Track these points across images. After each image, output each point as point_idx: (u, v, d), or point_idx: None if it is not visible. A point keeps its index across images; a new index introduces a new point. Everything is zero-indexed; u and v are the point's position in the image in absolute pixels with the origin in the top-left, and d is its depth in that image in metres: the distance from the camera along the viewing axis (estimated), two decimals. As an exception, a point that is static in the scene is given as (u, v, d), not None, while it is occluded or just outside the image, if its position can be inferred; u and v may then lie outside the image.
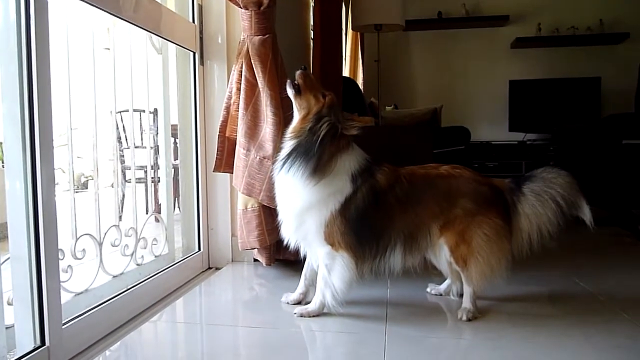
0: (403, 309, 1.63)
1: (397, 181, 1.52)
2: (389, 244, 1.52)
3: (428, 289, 1.78)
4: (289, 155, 1.47)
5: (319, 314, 1.54)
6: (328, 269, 1.52)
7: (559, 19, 5.71)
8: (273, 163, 1.70)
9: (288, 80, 1.54)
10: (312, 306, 1.55)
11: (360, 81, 5.12)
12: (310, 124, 1.46)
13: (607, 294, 1.76)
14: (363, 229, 1.49)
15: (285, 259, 2.07)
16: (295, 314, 1.54)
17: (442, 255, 1.56)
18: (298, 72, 1.53)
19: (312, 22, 3.33)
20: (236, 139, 1.90)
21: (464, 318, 1.51)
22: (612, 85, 5.49)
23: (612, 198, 2.86)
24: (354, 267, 1.50)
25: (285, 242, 1.60)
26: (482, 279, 1.51)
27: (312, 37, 3.31)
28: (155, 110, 2.19)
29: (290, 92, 1.53)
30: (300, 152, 1.44)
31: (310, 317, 1.53)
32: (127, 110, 2.05)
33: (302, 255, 1.62)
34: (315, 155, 1.42)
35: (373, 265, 1.55)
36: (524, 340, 1.38)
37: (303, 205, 1.48)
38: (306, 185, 1.44)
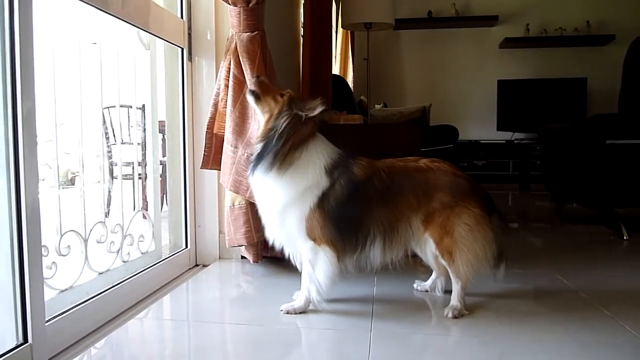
0: (389, 305, 1.64)
1: (375, 174, 1.54)
2: (369, 236, 1.53)
3: (414, 285, 1.80)
4: (256, 157, 1.49)
5: (305, 310, 1.55)
6: (312, 264, 1.53)
7: (546, 20, 5.77)
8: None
9: (247, 89, 1.56)
10: (298, 303, 1.55)
11: (350, 79, 5.13)
12: (272, 124, 1.48)
13: (590, 291, 1.79)
14: (342, 221, 1.51)
15: (273, 256, 2.08)
16: (281, 310, 1.55)
17: (428, 249, 1.58)
18: (252, 80, 1.56)
19: (302, 20, 3.33)
20: (224, 135, 1.90)
21: (450, 315, 1.52)
22: (598, 86, 5.57)
23: (596, 197, 2.90)
24: (337, 261, 1.51)
25: (270, 243, 1.61)
26: (469, 268, 1.53)
27: (302, 34, 3.31)
28: (143, 106, 2.17)
29: (250, 100, 1.55)
30: (263, 151, 1.46)
31: (296, 313, 1.54)
32: (114, 106, 2.03)
33: (286, 256, 1.62)
34: (275, 147, 1.43)
35: (355, 258, 1.56)
36: (508, 336, 1.39)
37: (282, 203, 1.49)
38: (276, 179, 1.46)
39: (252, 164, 1.51)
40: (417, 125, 3.00)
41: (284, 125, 1.45)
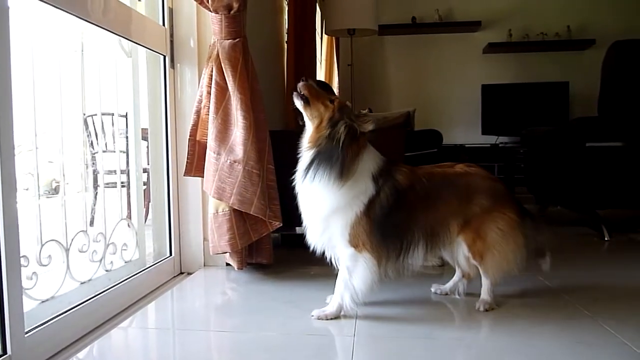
0: (373, 309, 1.64)
1: (417, 180, 1.56)
2: (413, 241, 1.56)
3: (432, 289, 1.81)
4: (310, 164, 1.48)
5: (337, 316, 1.54)
6: (349, 270, 1.53)
7: (528, 25, 5.86)
8: (245, 166, 1.70)
9: (294, 93, 1.54)
10: (330, 309, 1.55)
11: (335, 85, 5.15)
12: (328, 130, 1.47)
13: (571, 292, 1.81)
14: (388, 227, 1.52)
15: (258, 263, 2.08)
16: (312, 316, 1.54)
17: (460, 251, 1.62)
18: (301, 84, 1.54)
19: (286, 26, 3.34)
20: (207, 142, 1.90)
21: (482, 309, 1.58)
22: (580, 90, 5.65)
23: (577, 199, 2.94)
24: (376, 269, 1.52)
25: (311, 248, 1.60)
26: (498, 271, 1.59)
27: (286, 40, 3.33)
28: (126, 113, 2.17)
29: (298, 104, 1.53)
30: (324, 159, 1.45)
31: (327, 319, 1.53)
32: (97, 114, 2.03)
33: (327, 259, 1.62)
34: (340, 158, 1.43)
35: (398, 263, 1.58)
36: (490, 337, 1.41)
37: (329, 209, 1.50)
38: (333, 189, 1.46)
39: (304, 171, 1.49)
40: (400, 129, 3.02)
41: (344, 134, 1.44)
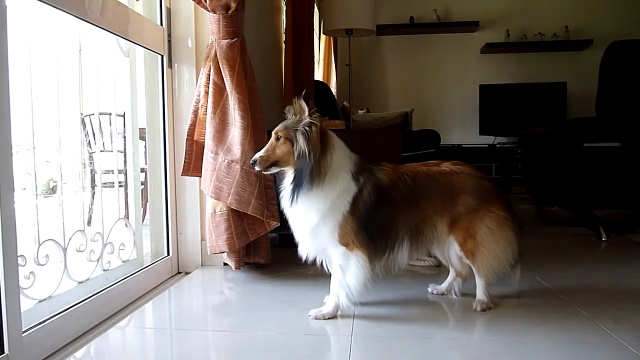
0: (370, 309, 1.64)
1: (400, 178, 1.57)
2: (397, 239, 1.57)
3: (429, 289, 1.81)
4: (292, 186, 1.48)
5: (334, 315, 1.55)
6: (342, 269, 1.53)
7: (526, 26, 5.87)
8: (243, 166, 1.72)
9: (267, 172, 1.54)
10: (327, 308, 1.55)
11: (333, 85, 5.16)
12: (296, 153, 1.46)
13: (568, 292, 1.82)
14: (372, 226, 1.53)
15: (255, 263, 2.08)
16: (309, 315, 1.55)
17: (452, 251, 1.62)
18: (256, 168, 1.52)
19: (284, 26, 3.34)
20: (204, 142, 1.90)
21: (479, 309, 1.58)
22: (577, 90, 5.67)
23: (575, 199, 2.95)
24: (368, 266, 1.53)
25: (304, 258, 1.60)
26: (489, 269, 1.60)
27: (284, 40, 3.33)
28: (124, 113, 2.16)
29: (274, 169, 1.53)
30: (299, 174, 1.45)
31: (325, 319, 1.53)
32: (94, 114, 2.03)
33: (318, 263, 1.62)
34: (312, 160, 1.43)
35: (384, 262, 1.58)
36: (486, 337, 1.41)
37: (318, 217, 1.50)
38: (316, 195, 1.46)
39: (289, 197, 1.49)
40: (398, 129, 3.03)
41: (304, 141, 1.44)
